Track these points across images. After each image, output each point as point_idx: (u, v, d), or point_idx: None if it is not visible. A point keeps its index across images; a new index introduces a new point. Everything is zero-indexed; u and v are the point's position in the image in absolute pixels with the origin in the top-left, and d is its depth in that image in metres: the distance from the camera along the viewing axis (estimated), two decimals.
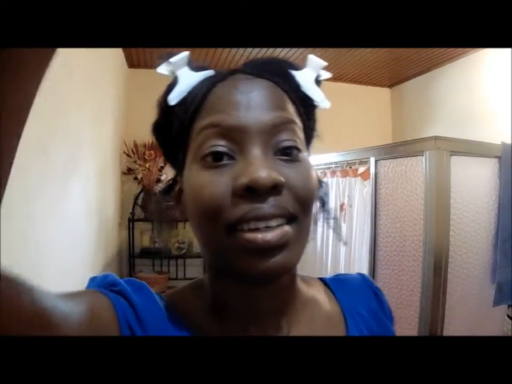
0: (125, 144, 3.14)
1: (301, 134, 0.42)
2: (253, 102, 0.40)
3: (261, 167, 0.37)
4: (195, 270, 3.42)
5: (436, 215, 1.71)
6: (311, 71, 0.46)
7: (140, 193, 3.24)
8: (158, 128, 0.46)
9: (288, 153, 0.40)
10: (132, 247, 3.20)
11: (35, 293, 0.29)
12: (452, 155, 1.74)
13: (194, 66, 0.44)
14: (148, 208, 3.16)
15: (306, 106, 0.45)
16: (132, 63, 3.27)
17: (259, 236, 0.37)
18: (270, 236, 0.37)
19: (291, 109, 0.42)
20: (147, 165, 3.09)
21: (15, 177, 1.03)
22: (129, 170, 3.21)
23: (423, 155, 1.75)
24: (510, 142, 1.92)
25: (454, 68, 2.94)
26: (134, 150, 3.20)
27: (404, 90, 3.59)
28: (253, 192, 0.37)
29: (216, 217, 0.38)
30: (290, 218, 0.39)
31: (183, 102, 0.43)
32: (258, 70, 0.44)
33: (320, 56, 0.47)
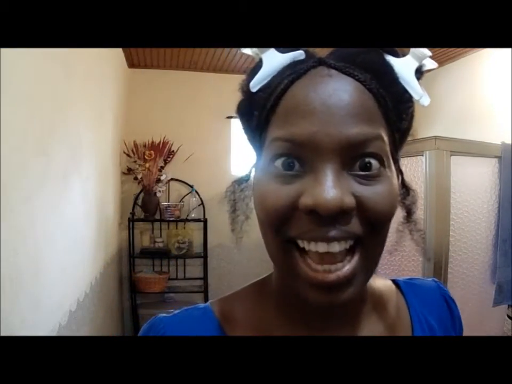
0: (125, 144, 3.14)
1: (386, 147, 0.37)
2: (331, 113, 0.35)
3: (329, 188, 0.34)
4: (195, 270, 3.41)
5: (436, 215, 1.71)
6: (413, 59, 0.40)
7: (139, 193, 3.23)
8: (240, 110, 0.44)
9: (368, 167, 0.36)
10: (132, 247, 3.20)
11: None
12: (451, 155, 1.74)
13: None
14: (148, 208, 3.16)
15: (401, 103, 0.40)
16: (132, 63, 3.26)
17: (319, 277, 0.35)
18: (331, 278, 0.35)
19: (377, 115, 0.37)
20: (147, 165, 3.08)
21: (15, 177, 1.03)
22: (129, 170, 3.21)
23: (423, 155, 1.75)
24: (510, 142, 1.92)
25: (454, 67, 2.93)
26: (134, 150, 3.19)
27: None
28: (317, 214, 0.34)
29: (277, 230, 0.37)
30: (355, 242, 0.36)
31: (264, 88, 0.40)
32: (345, 61, 0.38)
33: None
